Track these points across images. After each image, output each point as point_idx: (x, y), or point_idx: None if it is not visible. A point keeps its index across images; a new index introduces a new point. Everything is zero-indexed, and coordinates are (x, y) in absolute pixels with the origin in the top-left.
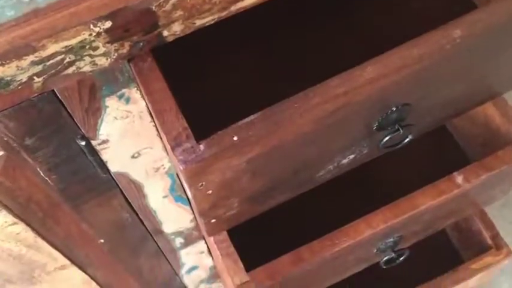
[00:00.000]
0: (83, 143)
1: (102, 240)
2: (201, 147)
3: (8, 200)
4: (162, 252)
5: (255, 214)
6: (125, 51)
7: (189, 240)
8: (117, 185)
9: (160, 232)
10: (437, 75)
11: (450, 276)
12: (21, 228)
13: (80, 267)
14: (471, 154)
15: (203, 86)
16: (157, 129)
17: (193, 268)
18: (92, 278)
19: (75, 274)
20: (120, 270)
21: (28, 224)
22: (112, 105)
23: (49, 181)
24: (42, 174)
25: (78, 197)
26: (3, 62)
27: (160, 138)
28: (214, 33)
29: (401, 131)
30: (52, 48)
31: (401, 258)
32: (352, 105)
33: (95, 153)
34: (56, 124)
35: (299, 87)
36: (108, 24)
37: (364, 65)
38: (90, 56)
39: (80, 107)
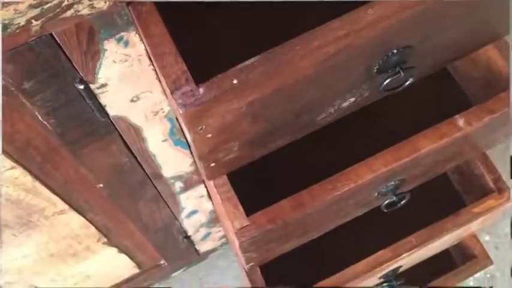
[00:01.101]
0: (82, 87)
1: (101, 185)
2: (201, 90)
3: (6, 144)
4: (162, 197)
5: (255, 158)
6: None
7: (188, 185)
8: (116, 129)
9: (160, 176)
10: (439, 16)
11: (452, 220)
12: (19, 172)
13: (79, 212)
14: (473, 97)
15: (203, 31)
16: (156, 73)
17: (193, 212)
18: (91, 223)
19: (74, 219)
20: (119, 215)
21: (26, 168)
22: (111, 48)
23: (47, 125)
24: (40, 118)
25: (77, 141)
26: (1, 6)
27: (160, 81)
28: None
29: (402, 73)
30: None
31: (402, 202)
32: (353, 48)
33: (93, 97)
34: (54, 68)
35: (300, 31)
36: None
37: (366, 6)
38: None
39: (79, 50)
